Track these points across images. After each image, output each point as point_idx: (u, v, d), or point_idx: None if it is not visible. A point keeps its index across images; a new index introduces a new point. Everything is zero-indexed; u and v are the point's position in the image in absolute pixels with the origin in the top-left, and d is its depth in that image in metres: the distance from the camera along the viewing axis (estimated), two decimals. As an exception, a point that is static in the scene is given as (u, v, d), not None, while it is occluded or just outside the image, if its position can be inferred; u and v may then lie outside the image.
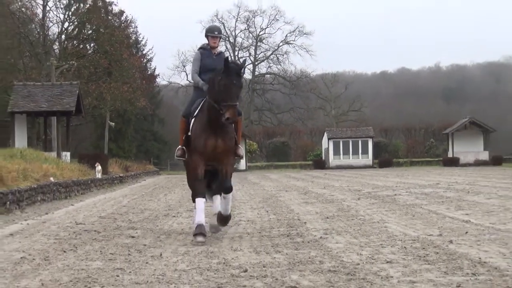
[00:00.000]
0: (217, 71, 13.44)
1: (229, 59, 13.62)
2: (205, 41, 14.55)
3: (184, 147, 14.03)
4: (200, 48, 14.71)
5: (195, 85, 14.46)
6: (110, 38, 72.81)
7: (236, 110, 13.11)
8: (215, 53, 14.47)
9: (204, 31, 14.83)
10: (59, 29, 75.26)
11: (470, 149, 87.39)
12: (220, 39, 14.78)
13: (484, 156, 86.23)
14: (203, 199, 13.75)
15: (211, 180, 14.77)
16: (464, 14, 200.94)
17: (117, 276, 9.62)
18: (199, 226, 13.15)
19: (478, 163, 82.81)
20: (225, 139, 13.64)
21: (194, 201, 14.29)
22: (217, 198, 14.50)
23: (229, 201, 14.16)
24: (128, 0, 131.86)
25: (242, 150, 14.54)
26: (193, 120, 13.89)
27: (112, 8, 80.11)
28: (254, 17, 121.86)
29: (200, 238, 12.97)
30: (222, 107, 12.99)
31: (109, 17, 78.81)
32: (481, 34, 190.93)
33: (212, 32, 14.48)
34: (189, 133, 13.90)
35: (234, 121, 13.41)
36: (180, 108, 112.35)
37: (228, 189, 13.91)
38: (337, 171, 70.99)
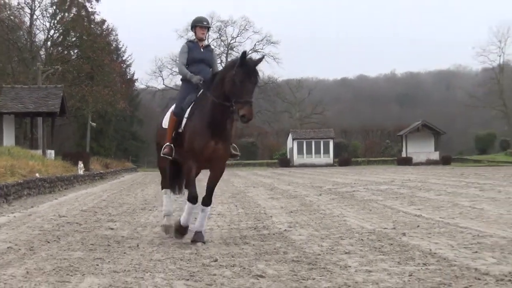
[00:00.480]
0: (229, 65, 11.71)
1: (245, 51, 11.51)
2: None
3: (172, 145, 12.12)
4: (188, 41, 13.05)
5: (183, 78, 12.70)
6: (93, 45, 72.73)
7: (252, 108, 11.16)
8: (202, 45, 12.76)
9: (191, 24, 12.86)
10: (45, 36, 75.16)
11: (422, 149, 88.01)
12: (208, 30, 13.05)
13: (435, 156, 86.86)
14: (195, 205, 11.85)
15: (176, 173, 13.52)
16: (417, 25, 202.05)
17: (97, 265, 9.56)
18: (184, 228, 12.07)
19: (430, 163, 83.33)
20: (225, 142, 11.85)
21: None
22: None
23: (206, 215, 12.08)
24: (110, 10, 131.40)
25: (236, 149, 12.65)
26: (186, 117, 12.02)
27: (94, 17, 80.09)
28: (226, 27, 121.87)
29: (178, 238, 12.04)
30: (234, 104, 11.15)
31: (92, 26, 78.63)
32: (433, 44, 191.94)
33: (201, 22, 12.71)
34: (180, 130, 12.06)
35: (250, 120, 11.21)
36: (157, 110, 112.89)
37: (207, 202, 11.97)
38: (300, 169, 71.09)
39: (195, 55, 12.58)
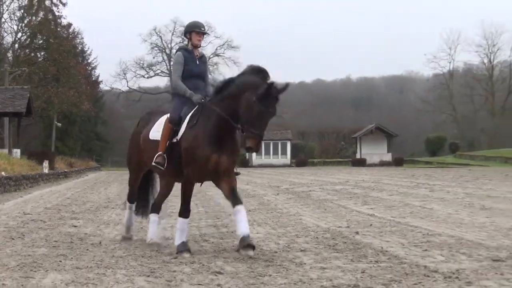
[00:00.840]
0: (249, 84, 9.84)
1: (273, 83, 9.71)
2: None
3: (165, 155, 10.50)
4: (182, 48, 11.24)
5: (176, 92, 11.07)
6: (59, 47, 72.33)
7: (261, 143, 9.78)
8: (197, 55, 11.13)
9: (185, 28, 11.29)
10: (13, 38, 74.71)
11: (375, 151, 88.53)
12: (203, 36, 11.30)
13: (388, 157, 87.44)
14: (187, 220, 10.64)
15: (144, 191, 12.39)
16: (371, 32, 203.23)
17: (60, 261, 9.49)
18: (183, 243, 10.23)
19: (382, 164, 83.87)
20: (231, 153, 10.31)
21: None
22: (155, 221, 11.72)
23: (244, 215, 10.12)
24: (75, 13, 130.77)
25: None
26: (185, 126, 10.44)
27: (61, 21, 79.70)
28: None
29: (186, 254, 9.92)
30: (244, 130, 9.78)
31: (58, 29, 78.23)
32: (387, 51, 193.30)
33: (198, 28, 11.07)
34: (175, 140, 10.49)
35: (255, 152, 9.97)
36: (121, 111, 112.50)
37: (239, 200, 10.25)
38: (259, 169, 71.14)
39: (192, 68, 11.00)
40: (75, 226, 14.26)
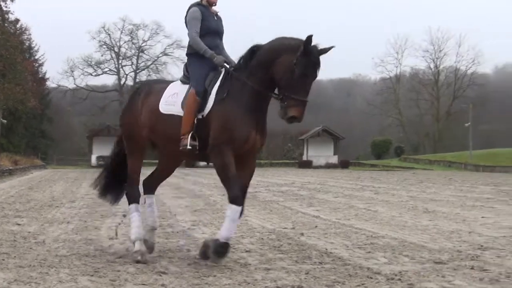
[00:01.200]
0: (283, 47, 8.83)
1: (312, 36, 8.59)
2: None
3: (195, 134, 9.13)
4: (196, 4, 9.62)
5: (192, 52, 9.58)
6: (6, 43, 71.33)
7: (305, 109, 8.68)
8: (213, 12, 9.70)
9: None
10: (-42, 33, 73.33)
11: (322, 153, 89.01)
12: None
13: (334, 160, 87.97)
14: (240, 207, 9.30)
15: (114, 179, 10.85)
16: (320, 34, 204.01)
17: (3, 260, 9.36)
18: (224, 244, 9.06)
19: (329, 166, 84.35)
20: (264, 132, 9.45)
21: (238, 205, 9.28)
22: (152, 203, 10.46)
23: (235, 218, 9.26)
24: (23, 8, 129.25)
25: None
26: (213, 100, 9.14)
27: (8, 16, 78.60)
28: (137, 30, 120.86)
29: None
30: (285, 98, 8.66)
31: (6, 24, 77.17)
32: (335, 54, 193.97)
33: None
34: (200, 116, 9.16)
35: (299, 122, 8.81)
36: (68, 109, 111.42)
37: (237, 199, 9.19)
38: (206, 170, 70.98)
39: (210, 23, 9.60)
40: (19, 225, 14.09)
